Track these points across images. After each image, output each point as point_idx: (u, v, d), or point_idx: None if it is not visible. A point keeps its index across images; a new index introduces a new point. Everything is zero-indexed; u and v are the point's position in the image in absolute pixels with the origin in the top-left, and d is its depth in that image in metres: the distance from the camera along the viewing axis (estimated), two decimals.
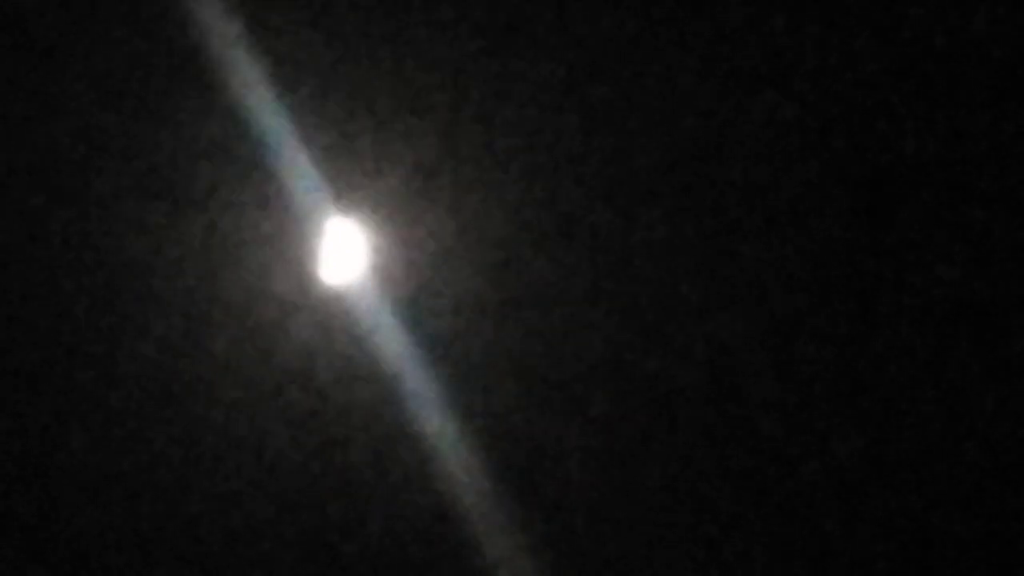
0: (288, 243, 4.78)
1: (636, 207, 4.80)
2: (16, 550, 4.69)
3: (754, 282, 4.76)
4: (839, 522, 4.65)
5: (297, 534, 4.70)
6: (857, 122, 4.79)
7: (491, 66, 4.83)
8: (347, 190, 4.79)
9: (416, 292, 4.75)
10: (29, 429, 4.76)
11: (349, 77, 4.84)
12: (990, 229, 4.75)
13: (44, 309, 4.80)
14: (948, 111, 4.79)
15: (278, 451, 4.73)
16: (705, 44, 4.80)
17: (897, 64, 4.81)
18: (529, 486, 4.69)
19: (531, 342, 4.75)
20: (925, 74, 4.80)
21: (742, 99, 4.79)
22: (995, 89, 4.79)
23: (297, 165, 4.76)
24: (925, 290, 4.74)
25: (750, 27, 4.81)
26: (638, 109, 4.82)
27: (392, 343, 4.72)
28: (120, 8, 4.85)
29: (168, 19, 4.81)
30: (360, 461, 4.72)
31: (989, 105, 4.79)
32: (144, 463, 4.74)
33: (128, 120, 4.84)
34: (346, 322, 4.75)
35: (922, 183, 4.76)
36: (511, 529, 4.66)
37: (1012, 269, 4.74)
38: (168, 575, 4.69)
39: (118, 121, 4.84)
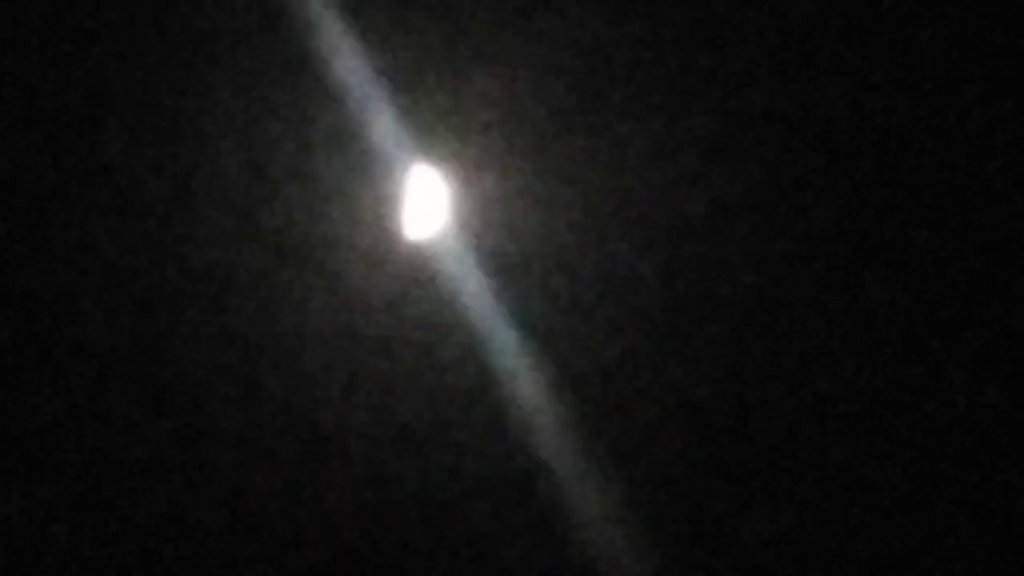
0: (374, 196, 4.81)
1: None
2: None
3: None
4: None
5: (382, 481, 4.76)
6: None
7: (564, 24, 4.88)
8: (429, 144, 4.82)
9: (500, 245, 4.80)
10: None
11: (428, 33, 4.87)
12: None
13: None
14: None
15: (365, 397, 4.77)
16: None
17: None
18: (610, 438, 4.75)
19: (612, 290, 4.80)
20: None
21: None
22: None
23: (381, 120, 4.79)
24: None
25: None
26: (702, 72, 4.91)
27: (477, 296, 4.77)
28: None
29: None
30: (450, 412, 4.77)
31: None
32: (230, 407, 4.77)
33: (215, 76, 4.85)
34: (432, 274, 4.78)
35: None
36: (595, 480, 4.72)
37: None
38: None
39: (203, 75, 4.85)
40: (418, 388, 4.77)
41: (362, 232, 4.79)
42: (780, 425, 4.72)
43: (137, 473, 4.69)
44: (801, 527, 4.67)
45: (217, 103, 4.81)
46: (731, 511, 4.68)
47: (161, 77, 4.82)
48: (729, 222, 4.84)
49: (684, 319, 4.79)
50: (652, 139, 4.86)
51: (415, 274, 4.79)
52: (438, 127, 4.81)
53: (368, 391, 4.76)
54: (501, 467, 4.73)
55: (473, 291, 4.77)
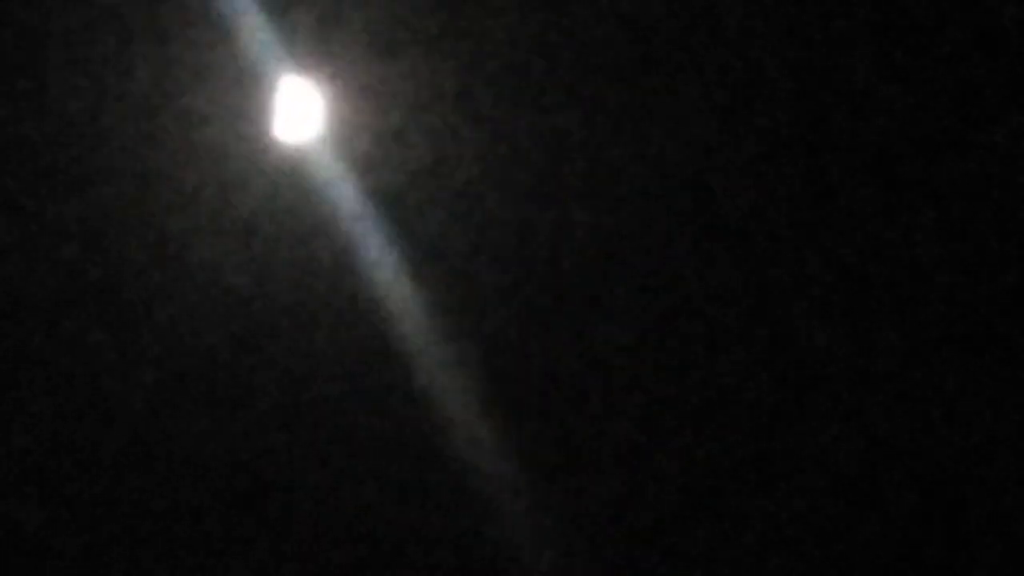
0: (246, 105, 4.92)
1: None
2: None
3: None
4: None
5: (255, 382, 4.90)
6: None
7: None
8: (304, 53, 4.93)
9: (373, 155, 4.91)
10: None
11: None
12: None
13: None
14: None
15: (239, 301, 4.90)
16: None
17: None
18: (480, 348, 4.89)
19: (485, 211, 4.92)
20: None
21: None
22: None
23: (254, 25, 4.90)
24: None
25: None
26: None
27: (348, 203, 4.91)
28: None
29: None
30: (319, 316, 4.90)
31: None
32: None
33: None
34: (304, 181, 4.92)
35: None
36: (463, 384, 4.88)
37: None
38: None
39: None
40: (289, 278, 4.90)
41: (240, 137, 4.90)
42: None
43: None
44: None
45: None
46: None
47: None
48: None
49: (536, 242, 4.91)
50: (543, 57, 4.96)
51: (288, 176, 4.90)
52: (313, 37, 4.91)
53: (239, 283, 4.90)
54: (358, 348, 4.89)
55: (344, 194, 4.91)
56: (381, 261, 4.88)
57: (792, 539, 4.78)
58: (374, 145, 4.90)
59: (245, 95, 4.91)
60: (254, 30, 4.87)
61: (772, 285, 4.87)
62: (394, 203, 4.89)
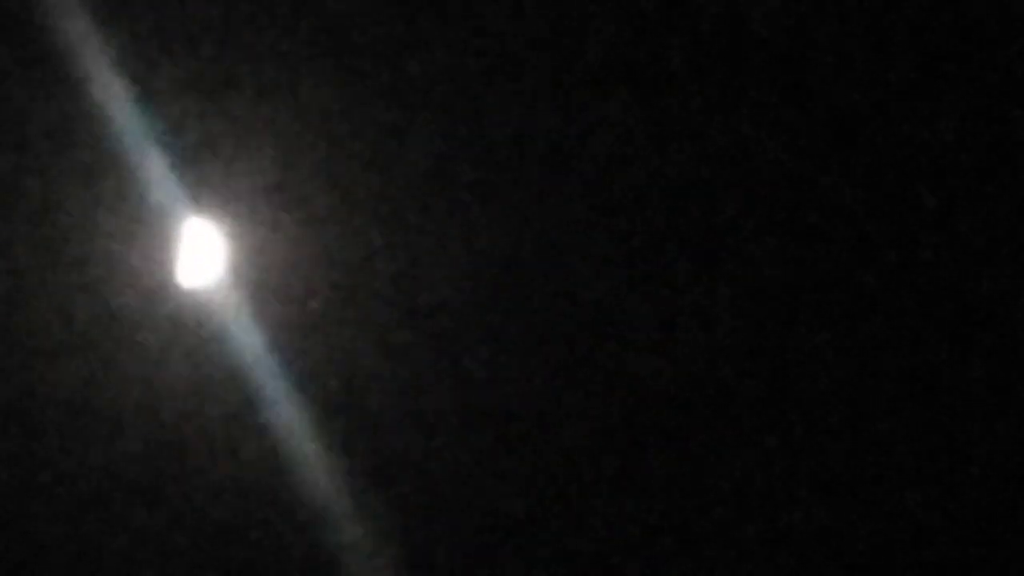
0: (143, 243, 4.72)
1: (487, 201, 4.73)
2: None
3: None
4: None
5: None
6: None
7: (336, 64, 4.78)
8: (205, 190, 4.74)
9: (271, 292, 4.72)
10: None
11: (207, 74, 4.76)
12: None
13: None
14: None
15: (131, 453, 4.70)
16: None
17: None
18: (386, 488, 4.70)
19: (382, 341, 4.73)
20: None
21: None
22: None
23: (153, 163, 4.71)
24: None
25: None
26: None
27: (247, 344, 4.69)
28: None
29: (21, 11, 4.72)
30: (217, 459, 4.70)
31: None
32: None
33: None
34: (201, 323, 4.71)
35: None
36: (367, 525, 4.68)
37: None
38: None
39: None
40: (182, 437, 4.71)
41: (134, 280, 4.71)
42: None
43: None
44: None
45: None
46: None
47: None
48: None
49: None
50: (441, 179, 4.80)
51: (186, 323, 4.71)
52: (214, 172, 4.73)
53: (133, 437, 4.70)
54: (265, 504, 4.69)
55: (244, 340, 4.71)
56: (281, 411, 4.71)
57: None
58: (277, 290, 4.73)
59: (144, 235, 4.73)
60: (154, 167, 4.70)
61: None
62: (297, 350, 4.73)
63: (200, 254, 4.71)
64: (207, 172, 4.71)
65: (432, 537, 4.65)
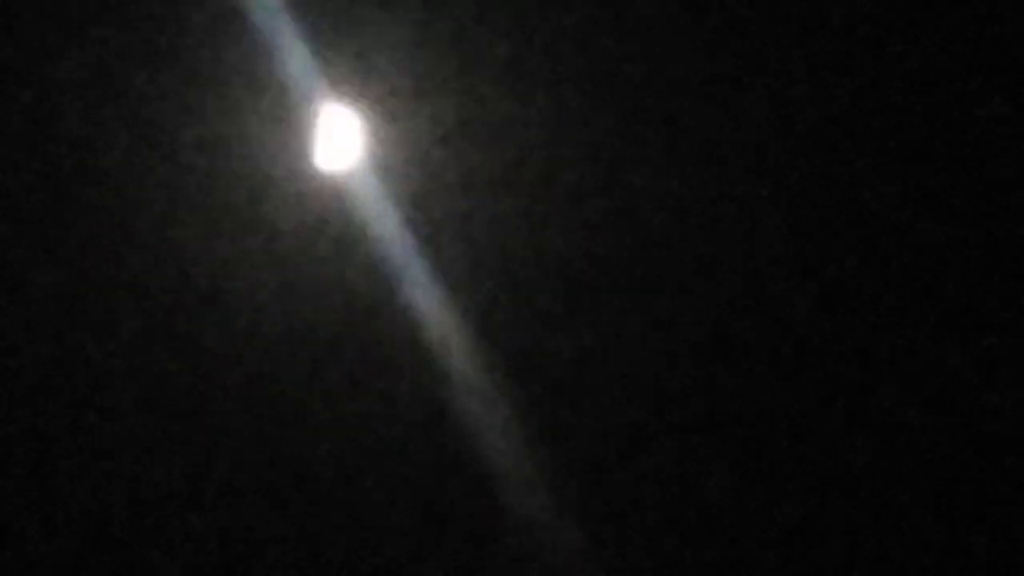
0: (287, 130, 4.84)
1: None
2: None
3: None
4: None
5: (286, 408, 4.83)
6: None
7: None
8: (345, 80, 4.85)
9: (415, 180, 4.84)
10: None
11: None
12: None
13: None
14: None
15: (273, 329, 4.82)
16: None
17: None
18: (519, 377, 4.83)
19: (524, 233, 4.86)
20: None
21: None
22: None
23: (297, 54, 4.83)
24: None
25: None
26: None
27: (390, 231, 4.83)
28: None
29: None
30: (355, 344, 4.82)
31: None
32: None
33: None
34: (345, 208, 4.84)
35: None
36: (504, 420, 4.81)
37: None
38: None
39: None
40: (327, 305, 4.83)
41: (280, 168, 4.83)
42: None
43: None
44: None
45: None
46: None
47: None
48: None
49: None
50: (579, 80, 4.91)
51: (329, 207, 4.83)
52: (352, 64, 4.85)
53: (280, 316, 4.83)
54: (405, 386, 4.82)
55: (385, 224, 4.84)
56: (419, 287, 4.83)
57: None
58: (412, 172, 4.85)
59: (283, 125, 4.84)
60: (293, 59, 4.83)
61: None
62: (431, 229, 4.84)
63: (343, 141, 4.84)
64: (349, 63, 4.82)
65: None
